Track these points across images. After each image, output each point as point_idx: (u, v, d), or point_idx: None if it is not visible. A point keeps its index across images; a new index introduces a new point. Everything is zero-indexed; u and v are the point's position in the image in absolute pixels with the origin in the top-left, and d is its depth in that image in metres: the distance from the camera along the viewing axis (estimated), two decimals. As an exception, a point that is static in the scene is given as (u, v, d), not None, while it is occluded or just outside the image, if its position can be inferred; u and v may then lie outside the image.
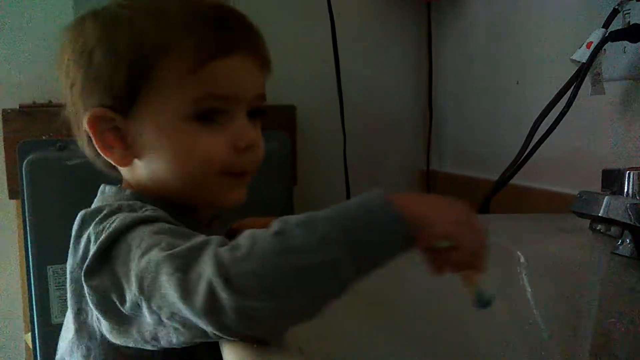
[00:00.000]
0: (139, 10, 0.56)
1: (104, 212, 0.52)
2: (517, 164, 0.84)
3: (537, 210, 0.93)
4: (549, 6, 0.94)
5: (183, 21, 0.54)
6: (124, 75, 0.54)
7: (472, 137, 1.20)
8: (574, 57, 0.74)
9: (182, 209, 0.57)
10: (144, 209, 0.52)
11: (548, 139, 0.80)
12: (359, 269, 0.41)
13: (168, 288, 0.41)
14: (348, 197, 1.20)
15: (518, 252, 0.67)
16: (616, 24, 0.73)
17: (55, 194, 0.92)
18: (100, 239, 0.48)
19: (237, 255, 0.39)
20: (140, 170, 0.57)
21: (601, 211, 0.51)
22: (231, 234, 0.50)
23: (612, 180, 0.57)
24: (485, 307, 0.46)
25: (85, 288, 0.48)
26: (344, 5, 1.22)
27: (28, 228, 0.94)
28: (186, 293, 0.40)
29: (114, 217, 0.51)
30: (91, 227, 0.51)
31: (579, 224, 0.66)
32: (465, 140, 1.24)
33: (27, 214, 0.94)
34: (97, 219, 0.52)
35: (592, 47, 0.72)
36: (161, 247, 0.44)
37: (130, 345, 0.49)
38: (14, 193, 1.06)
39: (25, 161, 0.93)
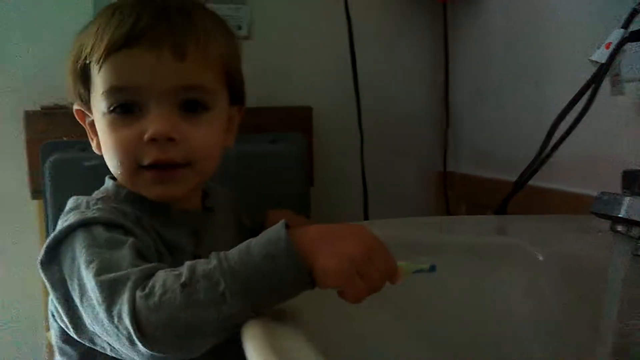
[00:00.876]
0: (96, 17, 0.61)
1: (68, 207, 0.59)
2: (536, 165, 0.83)
3: (555, 212, 0.93)
4: (567, 6, 0.93)
5: (107, 20, 0.58)
6: (80, 78, 0.61)
7: (489, 138, 1.20)
8: (593, 57, 0.74)
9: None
10: (94, 207, 0.56)
11: (567, 140, 0.79)
12: (258, 312, 0.44)
13: (99, 314, 0.46)
14: (365, 198, 1.21)
15: (537, 253, 0.67)
16: (636, 24, 0.73)
17: (77, 194, 0.93)
18: (50, 237, 0.54)
19: (149, 304, 0.43)
20: None
21: (622, 212, 0.50)
22: (266, 225, 0.63)
23: (632, 181, 0.57)
24: (433, 271, 0.52)
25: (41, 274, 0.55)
26: (360, 6, 1.22)
27: (50, 228, 0.96)
28: (110, 325, 0.45)
29: (69, 215, 0.56)
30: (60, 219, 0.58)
31: (599, 225, 0.66)
32: (482, 142, 1.23)
33: (49, 214, 0.96)
34: (63, 213, 0.58)
35: (611, 48, 0.72)
36: (94, 268, 0.48)
37: (71, 332, 0.54)
38: (36, 193, 1.08)
39: (48, 162, 0.95)
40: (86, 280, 0.48)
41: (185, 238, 0.61)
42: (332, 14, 1.20)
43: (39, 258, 0.54)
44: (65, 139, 1.05)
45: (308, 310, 0.48)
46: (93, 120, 0.63)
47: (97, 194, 0.62)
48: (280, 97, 1.18)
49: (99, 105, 0.59)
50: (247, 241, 0.45)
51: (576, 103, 0.78)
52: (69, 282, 0.51)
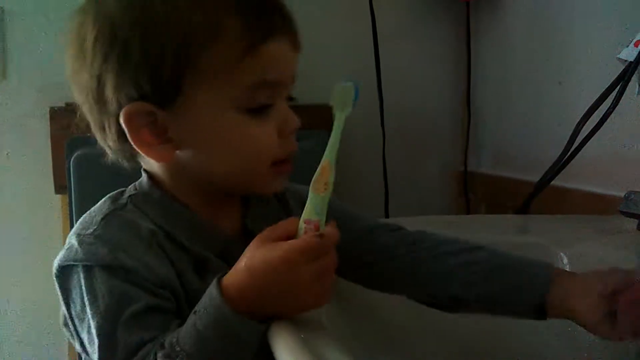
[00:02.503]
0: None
1: (85, 215, 0.54)
2: (560, 165, 0.83)
3: (578, 213, 0.92)
4: (593, 3, 0.92)
5: (226, 2, 0.50)
6: (169, 63, 0.48)
7: (511, 138, 1.19)
8: (621, 56, 0.73)
9: (211, 201, 0.56)
10: (97, 233, 0.51)
11: (592, 139, 0.79)
12: None
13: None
14: (386, 196, 1.21)
15: (561, 253, 0.66)
16: (666, 22, 0.72)
17: (102, 189, 0.93)
18: (57, 259, 0.51)
19: None
20: (179, 160, 0.53)
21: (651, 211, 0.50)
22: None
23: (660, 181, 0.56)
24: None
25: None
26: (383, 4, 1.22)
27: (74, 222, 0.97)
28: None
29: (75, 234, 0.52)
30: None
31: (624, 225, 0.65)
32: (504, 141, 1.22)
33: (73, 209, 0.97)
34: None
35: (640, 46, 0.71)
36: (96, 330, 0.48)
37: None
38: (60, 188, 1.09)
39: (73, 157, 0.96)
40: (92, 331, 0.49)
41: (212, 254, 0.55)
42: (355, 13, 1.20)
43: (54, 271, 0.52)
44: (88, 135, 1.06)
45: (334, 311, 0.48)
46: (155, 121, 0.51)
47: (129, 190, 0.57)
48: (301, 95, 1.19)
49: (224, 101, 0.50)
50: (192, 323, 0.45)
51: (603, 102, 0.77)
52: (74, 312, 0.51)
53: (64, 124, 1.09)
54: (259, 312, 0.45)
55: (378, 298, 0.60)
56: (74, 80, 0.54)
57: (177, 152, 0.53)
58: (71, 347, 1.16)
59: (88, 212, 0.55)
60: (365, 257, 0.59)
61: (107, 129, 0.54)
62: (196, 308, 0.46)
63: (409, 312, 0.62)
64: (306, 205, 0.46)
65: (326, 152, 0.47)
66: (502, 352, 0.65)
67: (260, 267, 0.44)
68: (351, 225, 0.61)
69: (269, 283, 0.44)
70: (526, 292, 0.53)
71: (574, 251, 0.66)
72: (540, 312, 0.52)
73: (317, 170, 0.46)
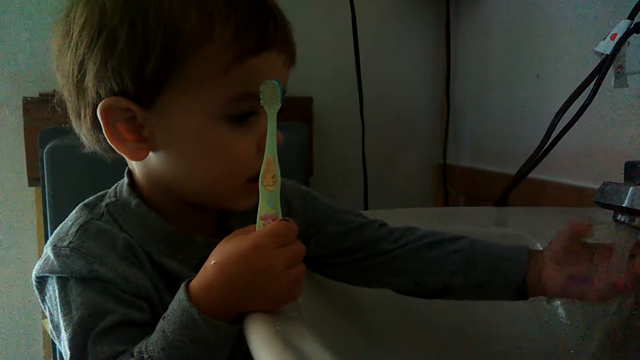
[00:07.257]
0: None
1: (61, 226, 0.53)
2: (537, 158, 0.83)
3: (555, 204, 0.93)
4: (571, -2, 0.93)
5: (223, 8, 0.48)
6: (154, 62, 0.46)
7: (490, 131, 1.20)
8: (598, 49, 0.73)
9: (187, 208, 0.54)
10: (73, 245, 0.50)
11: (568, 132, 0.79)
12: None
13: None
14: (365, 189, 1.21)
15: (538, 245, 0.66)
16: (642, 16, 0.72)
17: (76, 182, 0.93)
18: (35, 269, 0.51)
19: None
20: (153, 163, 0.52)
21: (625, 202, 0.50)
22: None
23: (635, 172, 0.56)
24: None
25: None
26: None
27: (48, 215, 0.95)
28: None
29: (51, 246, 0.51)
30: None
31: (600, 216, 0.65)
32: (482, 134, 1.23)
33: (47, 201, 0.95)
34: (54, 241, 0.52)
35: (616, 39, 0.71)
36: (69, 338, 0.47)
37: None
38: (33, 180, 1.07)
39: (46, 149, 0.94)
40: (63, 338, 0.48)
41: (187, 270, 0.53)
42: (335, 6, 1.20)
43: (32, 282, 0.52)
44: (63, 126, 1.04)
45: (310, 305, 0.47)
46: (132, 117, 0.49)
47: (109, 195, 0.55)
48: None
49: (206, 108, 0.48)
50: (161, 328, 0.44)
51: (579, 95, 0.78)
52: (52, 323, 0.51)
53: (38, 115, 1.07)
54: (230, 311, 0.44)
55: (356, 288, 0.60)
56: (57, 63, 0.52)
57: (152, 154, 0.51)
58: (46, 345, 1.14)
59: (64, 221, 0.54)
60: (354, 250, 0.59)
61: (82, 117, 0.52)
62: (165, 313, 0.45)
63: (387, 303, 0.62)
64: (259, 203, 0.46)
65: (266, 149, 0.46)
66: (480, 339, 0.65)
67: (232, 258, 0.43)
68: (341, 220, 0.61)
69: (240, 273, 0.43)
70: (508, 275, 0.55)
71: (550, 242, 0.66)
72: (521, 292, 0.55)
73: (262, 167, 0.46)
